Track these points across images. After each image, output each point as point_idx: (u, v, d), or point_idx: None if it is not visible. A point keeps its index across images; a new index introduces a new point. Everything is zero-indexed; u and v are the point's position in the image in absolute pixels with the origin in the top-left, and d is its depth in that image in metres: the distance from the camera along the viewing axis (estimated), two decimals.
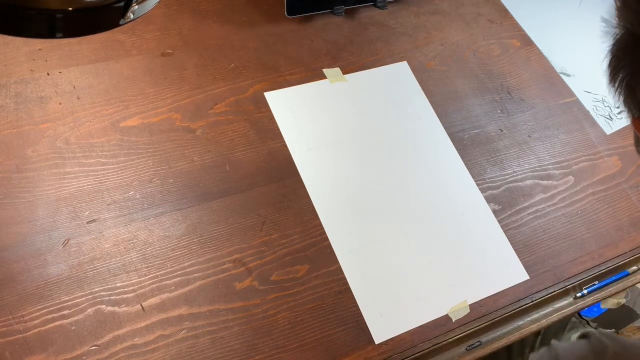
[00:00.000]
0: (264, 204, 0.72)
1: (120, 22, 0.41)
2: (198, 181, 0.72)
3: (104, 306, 0.62)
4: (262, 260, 0.69)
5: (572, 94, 0.98)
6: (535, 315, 0.75)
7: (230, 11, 0.89)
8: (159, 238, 0.67)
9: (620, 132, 0.95)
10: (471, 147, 0.86)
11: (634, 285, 0.82)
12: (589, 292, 0.78)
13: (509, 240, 0.78)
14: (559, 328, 0.88)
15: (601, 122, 0.96)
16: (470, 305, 0.72)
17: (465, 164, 0.83)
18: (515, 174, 0.85)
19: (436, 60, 0.94)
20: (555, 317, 0.75)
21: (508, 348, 0.74)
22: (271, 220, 0.72)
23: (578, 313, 0.91)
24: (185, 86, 0.79)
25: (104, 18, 0.40)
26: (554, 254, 0.79)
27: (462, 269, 0.74)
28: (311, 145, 0.79)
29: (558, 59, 1.02)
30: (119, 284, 0.63)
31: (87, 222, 0.66)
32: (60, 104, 0.73)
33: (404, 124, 0.85)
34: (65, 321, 0.60)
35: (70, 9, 0.37)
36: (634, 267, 0.82)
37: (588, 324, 0.89)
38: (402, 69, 0.91)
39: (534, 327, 0.74)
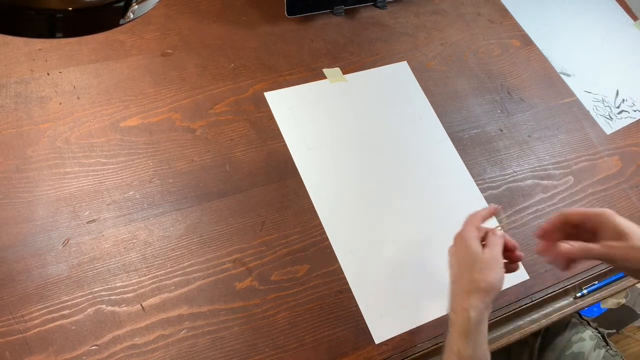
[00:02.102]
0: (264, 204, 0.72)
1: (120, 22, 0.40)
2: (198, 181, 0.72)
3: (104, 306, 0.62)
4: (262, 260, 0.68)
5: (572, 94, 0.98)
6: (535, 315, 0.75)
7: (230, 11, 0.89)
8: (159, 238, 0.67)
9: (620, 132, 0.95)
10: (471, 147, 0.86)
11: (634, 285, 0.82)
12: (589, 292, 0.78)
13: None
14: (560, 328, 0.87)
15: (601, 122, 0.96)
16: None
17: (465, 164, 0.83)
18: (515, 174, 0.85)
19: (436, 60, 0.94)
20: (555, 317, 0.75)
21: (507, 349, 0.74)
22: (271, 220, 0.72)
23: (579, 314, 0.90)
24: (185, 86, 0.79)
25: (104, 18, 0.40)
26: None
27: None
28: (311, 145, 0.79)
29: (558, 59, 1.02)
30: (119, 284, 0.63)
31: (87, 222, 0.66)
32: (60, 104, 0.73)
33: (404, 123, 0.85)
34: (65, 321, 0.60)
35: (70, 9, 0.37)
36: None
37: (589, 324, 0.88)
38: (402, 69, 0.91)
39: (534, 327, 0.74)
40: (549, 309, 0.76)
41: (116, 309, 0.62)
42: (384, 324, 0.68)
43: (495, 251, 0.60)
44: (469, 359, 0.54)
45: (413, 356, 0.67)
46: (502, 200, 0.81)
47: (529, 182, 0.85)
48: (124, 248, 0.66)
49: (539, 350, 0.87)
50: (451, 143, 0.85)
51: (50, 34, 0.39)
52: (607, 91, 1.01)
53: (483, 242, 0.61)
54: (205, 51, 0.83)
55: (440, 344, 0.68)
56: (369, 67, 0.89)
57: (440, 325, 0.69)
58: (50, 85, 0.74)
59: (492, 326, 0.72)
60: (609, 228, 0.58)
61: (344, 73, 0.87)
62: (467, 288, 0.58)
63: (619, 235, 0.57)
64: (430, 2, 1.02)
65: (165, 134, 0.74)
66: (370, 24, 0.95)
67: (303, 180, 0.75)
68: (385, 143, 0.82)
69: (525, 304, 0.74)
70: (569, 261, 0.60)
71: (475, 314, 0.56)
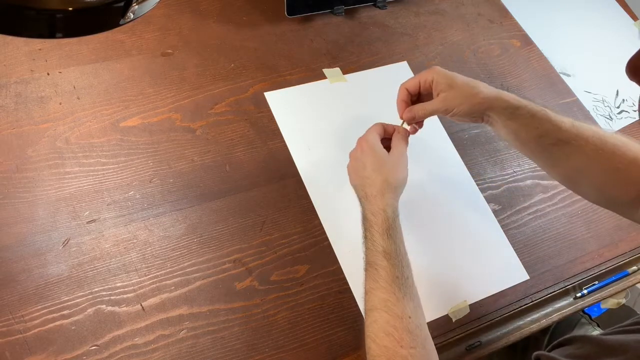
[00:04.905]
0: (264, 204, 0.72)
1: (120, 22, 0.40)
2: (198, 181, 0.72)
3: (104, 306, 0.62)
4: (262, 260, 0.68)
5: (572, 94, 0.98)
6: (535, 315, 0.75)
7: (230, 11, 0.89)
8: (159, 238, 0.67)
9: (620, 132, 0.95)
10: (471, 147, 0.86)
11: (634, 285, 0.82)
12: (589, 292, 0.78)
13: (509, 240, 0.78)
14: (568, 328, 0.87)
15: (601, 122, 0.96)
16: (470, 305, 0.72)
17: (465, 164, 0.83)
18: (515, 174, 0.85)
19: (436, 60, 0.94)
20: (555, 317, 0.75)
21: (513, 346, 0.74)
22: (271, 220, 0.72)
23: (589, 314, 0.90)
24: (185, 86, 0.79)
25: (104, 18, 0.40)
26: (554, 254, 0.79)
27: (462, 269, 0.74)
28: (311, 145, 0.79)
29: (558, 59, 1.02)
30: (119, 284, 0.63)
31: (87, 222, 0.66)
32: (60, 104, 0.73)
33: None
34: (65, 321, 0.60)
35: (70, 9, 0.37)
36: (634, 267, 0.82)
37: (598, 325, 0.88)
38: (402, 69, 0.91)
39: (534, 327, 0.74)
40: (549, 309, 0.76)
41: (116, 309, 0.62)
42: None
43: (399, 150, 0.65)
44: (394, 253, 0.56)
45: None
46: (502, 200, 0.81)
47: (529, 182, 0.85)
48: (124, 248, 0.66)
49: (545, 348, 0.87)
50: (451, 143, 0.85)
51: (50, 34, 0.39)
52: (607, 91, 1.01)
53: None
54: (205, 51, 0.83)
55: (441, 344, 0.68)
56: (369, 67, 0.89)
57: (439, 326, 0.69)
58: (50, 85, 0.74)
59: (492, 326, 0.72)
60: (440, 83, 0.64)
61: (344, 73, 0.87)
62: (381, 188, 0.61)
63: (449, 86, 0.63)
64: (430, 2, 1.02)
65: (165, 134, 0.74)
66: (370, 24, 0.95)
67: (303, 180, 0.75)
68: None
69: (525, 304, 0.74)
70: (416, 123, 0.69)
71: (391, 211, 0.59)
